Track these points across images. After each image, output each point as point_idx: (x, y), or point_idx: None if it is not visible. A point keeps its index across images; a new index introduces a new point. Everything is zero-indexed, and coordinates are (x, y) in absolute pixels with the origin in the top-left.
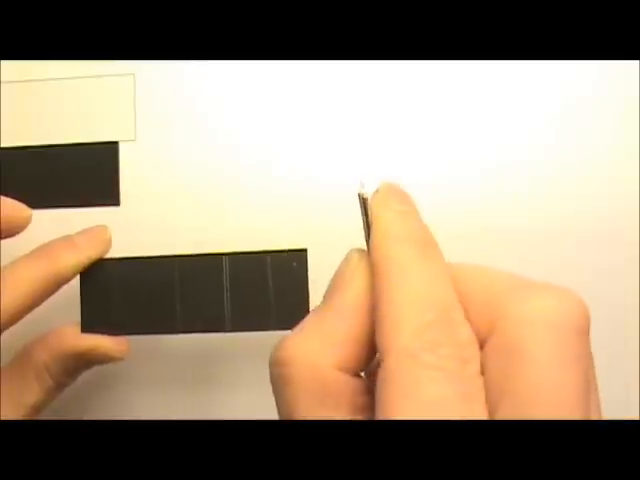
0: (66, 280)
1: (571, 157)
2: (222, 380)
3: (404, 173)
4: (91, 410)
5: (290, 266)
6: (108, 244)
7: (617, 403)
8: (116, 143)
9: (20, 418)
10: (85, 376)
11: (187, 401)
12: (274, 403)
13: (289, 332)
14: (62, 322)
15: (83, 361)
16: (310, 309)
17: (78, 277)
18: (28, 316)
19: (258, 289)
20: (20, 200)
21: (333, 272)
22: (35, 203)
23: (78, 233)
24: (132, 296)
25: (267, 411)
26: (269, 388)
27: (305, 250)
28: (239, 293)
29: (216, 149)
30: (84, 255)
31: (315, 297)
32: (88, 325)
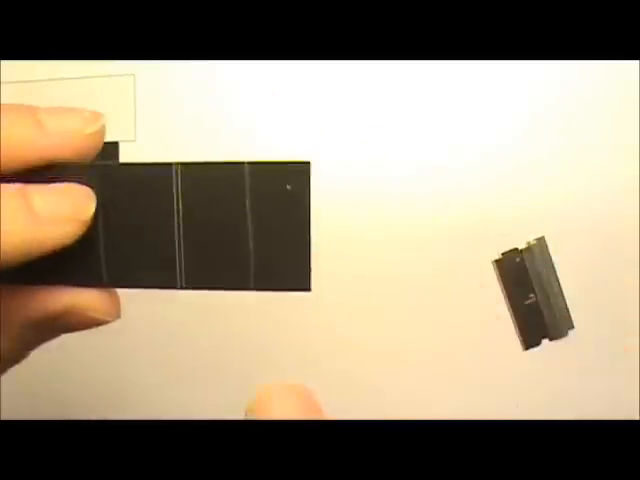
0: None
1: (571, 157)
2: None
3: (405, 170)
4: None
5: (282, 189)
6: (90, 141)
7: (617, 403)
8: (116, 143)
9: None
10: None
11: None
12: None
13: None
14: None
15: (51, 328)
16: (311, 260)
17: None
18: None
19: (228, 225)
20: None
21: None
22: None
23: (51, 110)
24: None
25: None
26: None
27: (308, 163)
28: (198, 229)
29: (216, 149)
30: (49, 148)
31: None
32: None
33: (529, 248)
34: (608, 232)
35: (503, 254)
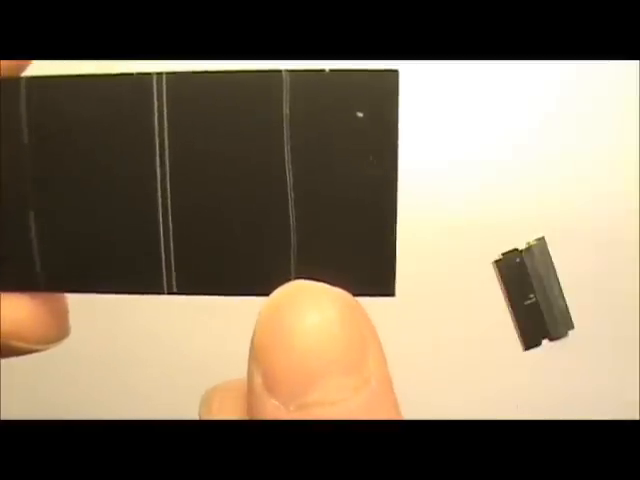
0: None
1: (571, 157)
2: None
3: (405, 170)
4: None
5: (349, 117)
6: None
7: (617, 403)
8: None
9: None
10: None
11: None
12: None
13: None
14: None
15: None
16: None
17: None
18: None
19: (252, 183)
20: None
21: None
22: None
23: None
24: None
25: None
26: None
27: (395, 72)
28: (193, 189)
29: None
30: None
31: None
32: None
33: (529, 248)
34: (608, 232)
35: (503, 254)
